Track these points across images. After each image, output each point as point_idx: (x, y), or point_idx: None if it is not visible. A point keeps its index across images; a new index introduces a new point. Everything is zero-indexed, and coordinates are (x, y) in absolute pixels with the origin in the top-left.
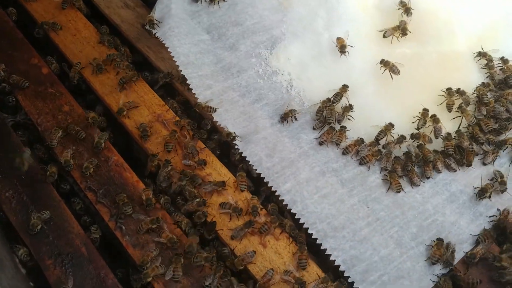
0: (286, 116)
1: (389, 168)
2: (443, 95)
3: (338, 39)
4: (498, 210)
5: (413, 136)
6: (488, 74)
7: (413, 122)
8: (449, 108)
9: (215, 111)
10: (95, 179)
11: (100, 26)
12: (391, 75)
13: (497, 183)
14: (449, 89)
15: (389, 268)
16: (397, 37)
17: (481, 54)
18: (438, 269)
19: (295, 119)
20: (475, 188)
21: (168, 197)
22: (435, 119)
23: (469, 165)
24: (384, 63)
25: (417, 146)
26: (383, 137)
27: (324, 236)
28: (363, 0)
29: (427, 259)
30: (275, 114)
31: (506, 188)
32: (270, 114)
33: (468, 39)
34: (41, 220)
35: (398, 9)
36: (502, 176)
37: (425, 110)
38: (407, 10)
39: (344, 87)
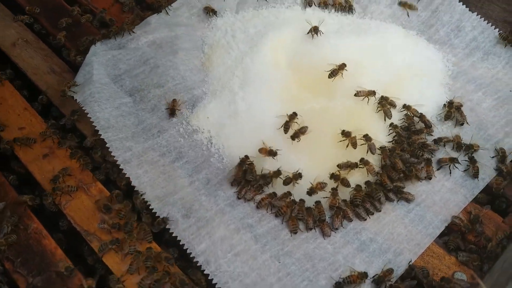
0: None
1: (304, 217)
2: (343, 139)
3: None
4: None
5: (311, 190)
6: (383, 113)
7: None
8: (354, 146)
9: None
10: (13, 247)
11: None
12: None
13: None
14: (343, 131)
15: None
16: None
17: (383, 98)
18: None
19: None
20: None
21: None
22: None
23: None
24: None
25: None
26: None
27: None
28: (275, 60)
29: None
30: (194, 171)
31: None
32: (189, 172)
33: (373, 89)
34: None
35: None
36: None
37: (362, 160)
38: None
39: (272, 150)
